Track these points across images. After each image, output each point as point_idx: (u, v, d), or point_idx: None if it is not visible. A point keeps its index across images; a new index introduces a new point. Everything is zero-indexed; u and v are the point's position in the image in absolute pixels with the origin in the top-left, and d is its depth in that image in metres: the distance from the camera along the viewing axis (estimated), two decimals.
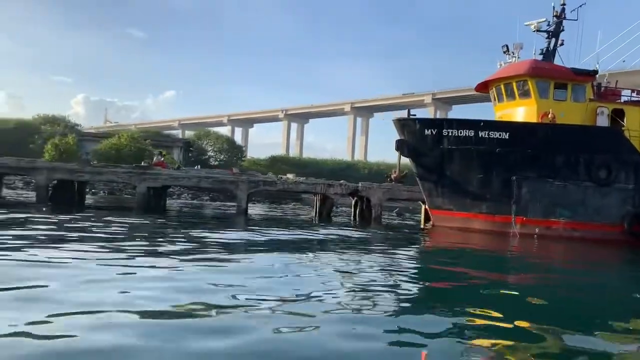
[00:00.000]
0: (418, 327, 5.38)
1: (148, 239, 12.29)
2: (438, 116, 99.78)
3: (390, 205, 30.75)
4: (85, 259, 8.36)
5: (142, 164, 26.55)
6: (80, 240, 11.04)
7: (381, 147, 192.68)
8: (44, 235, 11.51)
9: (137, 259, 8.80)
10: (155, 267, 8.10)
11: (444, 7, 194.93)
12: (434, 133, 20.80)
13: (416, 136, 21.25)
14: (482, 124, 20.30)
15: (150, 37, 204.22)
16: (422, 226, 24.47)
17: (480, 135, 20.12)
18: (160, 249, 10.69)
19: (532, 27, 21.96)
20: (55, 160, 36.76)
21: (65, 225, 14.15)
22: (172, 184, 25.61)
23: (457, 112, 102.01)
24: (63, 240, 10.80)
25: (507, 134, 19.92)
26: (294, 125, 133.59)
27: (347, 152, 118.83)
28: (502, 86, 21.80)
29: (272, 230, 16.85)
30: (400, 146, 21.57)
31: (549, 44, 21.91)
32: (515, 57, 21.84)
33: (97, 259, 8.36)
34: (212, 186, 25.69)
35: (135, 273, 7.47)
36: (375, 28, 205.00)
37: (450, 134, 20.51)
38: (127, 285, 6.49)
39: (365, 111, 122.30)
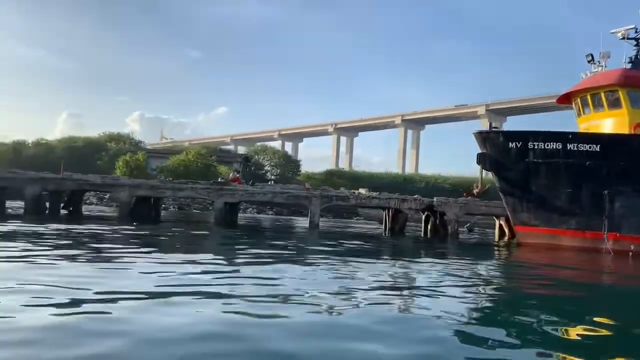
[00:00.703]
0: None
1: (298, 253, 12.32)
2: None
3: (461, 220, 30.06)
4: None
5: (219, 180, 27.06)
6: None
7: (433, 160, 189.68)
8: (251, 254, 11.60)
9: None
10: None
11: (495, 18, 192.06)
12: (518, 146, 20.23)
13: (499, 149, 20.72)
14: (570, 136, 19.61)
15: (204, 55, 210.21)
16: (496, 241, 23.85)
17: (568, 148, 19.42)
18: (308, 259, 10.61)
19: (619, 34, 21.18)
20: (125, 175, 38.15)
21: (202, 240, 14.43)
22: (248, 199, 25.97)
23: (512, 123, 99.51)
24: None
25: (598, 146, 19.14)
26: (343, 139, 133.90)
27: (397, 165, 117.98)
28: (588, 97, 21.03)
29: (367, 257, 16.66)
30: (482, 160, 21.08)
31: (637, 51, 21.04)
32: (602, 66, 21.06)
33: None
34: (286, 201, 25.86)
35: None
36: (426, 40, 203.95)
37: (536, 147, 19.90)
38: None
39: (416, 124, 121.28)
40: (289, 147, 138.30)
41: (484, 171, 23.21)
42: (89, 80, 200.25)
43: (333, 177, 64.82)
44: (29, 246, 10.90)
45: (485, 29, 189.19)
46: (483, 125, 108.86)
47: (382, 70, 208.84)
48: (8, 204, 28.51)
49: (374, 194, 25.62)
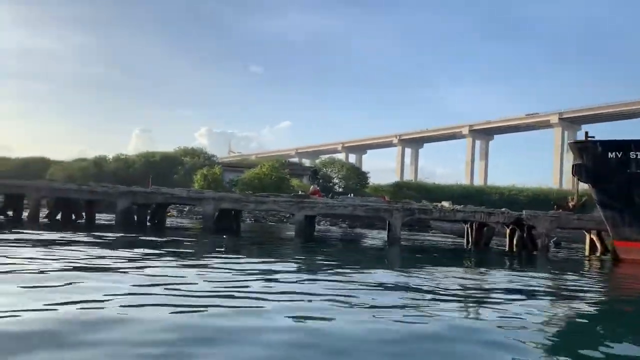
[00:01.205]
0: None
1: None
2: (566, 138, 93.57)
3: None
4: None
5: (300, 193, 27.24)
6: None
7: (503, 170, 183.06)
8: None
9: None
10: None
11: (566, 22, 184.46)
12: (619, 156, 19.02)
13: (597, 160, 19.58)
14: None
15: (267, 70, 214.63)
16: (587, 256, 22.58)
17: None
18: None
19: None
20: (203, 188, 39.21)
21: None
22: (328, 212, 25.93)
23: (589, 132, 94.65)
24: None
25: None
26: (407, 150, 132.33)
27: (465, 177, 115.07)
28: None
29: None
30: (578, 171, 19.99)
31: None
32: None
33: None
34: (366, 214, 25.61)
35: None
36: (493, 46, 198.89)
37: (639, 157, 18.64)
38: None
39: (485, 134, 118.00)
40: (352, 159, 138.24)
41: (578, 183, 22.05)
42: (158, 96, 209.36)
43: (402, 189, 63.98)
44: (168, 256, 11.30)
45: (554, 32, 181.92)
46: (555, 134, 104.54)
47: (447, 79, 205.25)
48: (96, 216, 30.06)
49: (458, 207, 24.89)
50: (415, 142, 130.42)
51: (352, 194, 37.44)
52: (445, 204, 25.52)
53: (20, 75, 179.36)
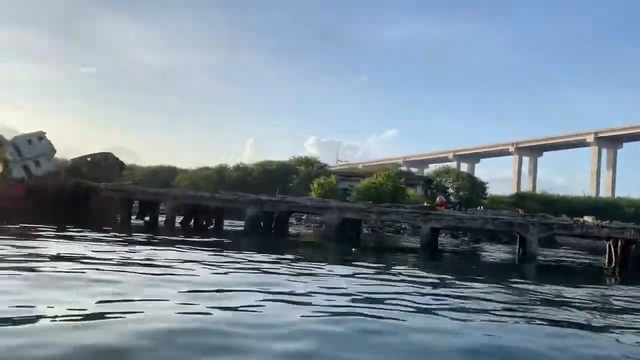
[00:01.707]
0: None
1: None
2: None
3: None
4: None
5: (425, 204, 26.45)
6: None
7: (635, 181, 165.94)
8: None
9: None
10: None
11: None
12: None
13: None
14: None
15: (372, 79, 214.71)
16: None
17: None
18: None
19: None
20: (320, 196, 39.56)
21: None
22: (456, 225, 24.85)
23: None
24: None
25: None
26: (525, 159, 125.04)
27: (590, 188, 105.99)
28: None
29: None
30: None
31: None
32: None
33: None
34: (497, 228, 24.19)
35: None
36: (620, 47, 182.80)
37: None
38: None
39: (612, 141, 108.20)
40: (464, 168, 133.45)
41: None
42: (270, 107, 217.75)
43: (524, 201, 60.24)
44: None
45: None
46: None
47: (567, 84, 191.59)
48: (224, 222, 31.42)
49: (603, 222, 22.63)
50: (534, 151, 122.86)
51: (482, 207, 35.75)
52: (588, 219, 23.29)
53: (152, 90, 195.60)
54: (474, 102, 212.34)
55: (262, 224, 27.23)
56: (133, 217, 30.25)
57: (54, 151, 45.10)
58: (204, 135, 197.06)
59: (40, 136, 43.82)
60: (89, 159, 43.53)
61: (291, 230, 34.56)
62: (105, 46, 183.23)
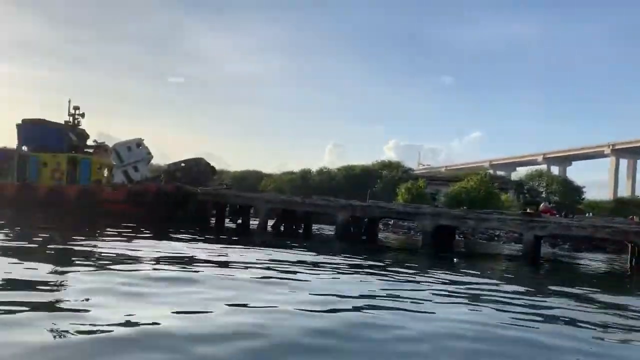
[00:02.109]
0: None
1: None
2: None
3: None
4: None
5: (527, 210, 25.05)
6: None
7: None
8: None
9: None
10: None
11: None
12: None
13: None
14: None
15: (457, 81, 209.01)
16: None
17: None
18: None
19: None
20: (407, 202, 38.72)
21: None
22: (562, 233, 23.26)
23: None
24: None
25: None
26: (622, 162, 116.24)
27: None
28: None
29: None
30: None
31: None
32: None
33: None
34: (611, 237, 22.36)
35: None
36: None
37: None
38: None
39: None
40: (554, 171, 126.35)
41: None
42: (349, 111, 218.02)
43: (625, 207, 55.87)
44: None
45: None
46: None
47: None
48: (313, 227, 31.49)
49: None
50: (634, 152, 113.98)
51: (590, 213, 33.44)
52: None
53: (237, 98, 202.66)
54: (564, 102, 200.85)
55: (351, 229, 27.02)
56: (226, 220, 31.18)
57: (151, 157, 47.64)
58: (286, 140, 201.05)
59: (139, 143, 46.40)
60: (182, 164, 45.48)
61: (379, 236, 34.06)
62: (193, 57, 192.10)
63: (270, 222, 29.08)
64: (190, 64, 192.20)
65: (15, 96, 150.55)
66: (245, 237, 22.05)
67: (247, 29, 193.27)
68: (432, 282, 11.39)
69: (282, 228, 29.44)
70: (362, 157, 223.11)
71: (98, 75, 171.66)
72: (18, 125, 29.94)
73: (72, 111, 29.94)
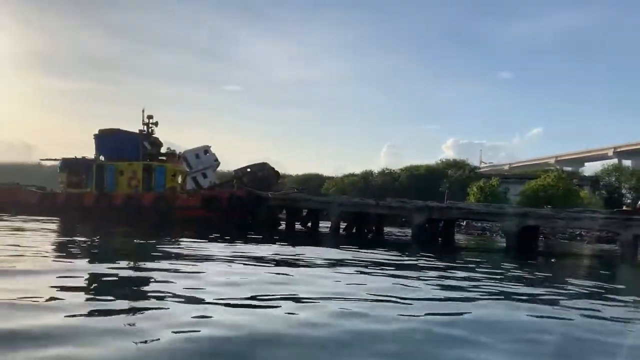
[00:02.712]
0: None
1: None
2: None
3: None
4: None
5: (623, 207, 23.32)
6: None
7: None
8: None
9: None
10: None
11: None
12: None
13: None
14: None
15: (516, 76, 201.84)
16: None
17: None
18: None
19: None
20: (479, 201, 37.19)
21: None
22: None
23: None
24: None
25: None
26: None
27: None
28: None
29: None
30: None
31: None
32: None
33: None
34: None
35: None
36: None
37: None
38: None
39: None
40: (628, 165, 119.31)
41: None
42: (402, 111, 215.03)
43: None
44: None
45: None
46: None
47: None
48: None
49: None
50: None
51: None
52: None
53: (292, 102, 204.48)
54: (631, 93, 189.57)
55: (427, 231, 26.08)
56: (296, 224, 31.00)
57: (218, 163, 48.38)
58: (340, 143, 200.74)
59: (206, 149, 47.22)
60: (248, 169, 45.85)
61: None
62: (247, 65, 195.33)
63: (342, 225, 28.61)
64: (244, 71, 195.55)
65: (85, 109, 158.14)
66: (326, 240, 21.55)
67: (299, 34, 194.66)
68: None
69: (354, 231, 28.88)
70: (419, 157, 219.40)
71: (155, 85, 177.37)
72: (95, 136, 30.90)
73: (146, 120, 30.57)
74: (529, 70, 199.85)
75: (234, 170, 49.51)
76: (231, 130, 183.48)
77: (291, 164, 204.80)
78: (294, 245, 16.91)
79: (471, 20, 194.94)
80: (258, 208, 29.08)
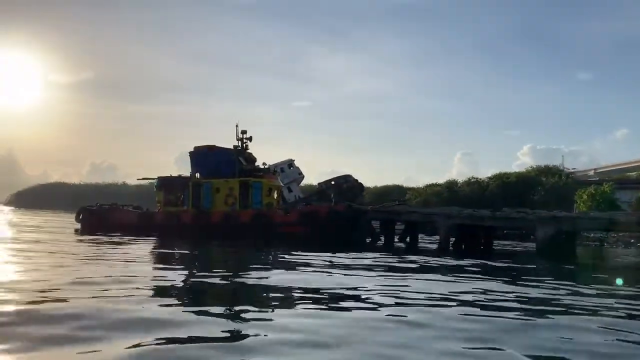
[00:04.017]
0: None
1: None
2: None
3: None
4: None
5: None
6: None
7: None
8: None
9: None
10: None
11: None
12: None
13: None
14: None
15: (596, 77, 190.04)
16: None
17: None
18: None
19: None
20: (591, 210, 33.95)
21: None
22: None
23: None
24: None
25: None
26: None
27: None
28: None
29: None
30: None
31: None
32: None
33: None
34: None
35: None
36: None
37: None
38: None
39: None
40: None
41: None
42: (477, 118, 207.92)
43: None
44: None
45: None
46: None
47: None
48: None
49: None
50: None
51: None
52: None
53: (362, 114, 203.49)
54: None
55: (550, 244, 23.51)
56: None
57: (302, 177, 47.42)
58: (412, 152, 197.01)
59: (290, 163, 46.37)
60: (332, 182, 44.62)
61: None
62: (319, 80, 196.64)
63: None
64: (313, 87, 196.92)
65: (164, 131, 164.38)
66: (442, 258, 19.65)
67: (368, 47, 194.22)
68: None
69: (463, 246, 26.66)
70: (494, 164, 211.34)
71: (229, 105, 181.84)
72: (190, 153, 30.58)
73: (240, 135, 29.93)
74: (610, 69, 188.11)
75: (318, 184, 48.48)
76: (301, 144, 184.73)
77: (361, 175, 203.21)
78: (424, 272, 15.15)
79: (545, 21, 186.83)
80: (357, 223, 27.61)
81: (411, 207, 29.42)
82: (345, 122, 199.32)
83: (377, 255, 19.52)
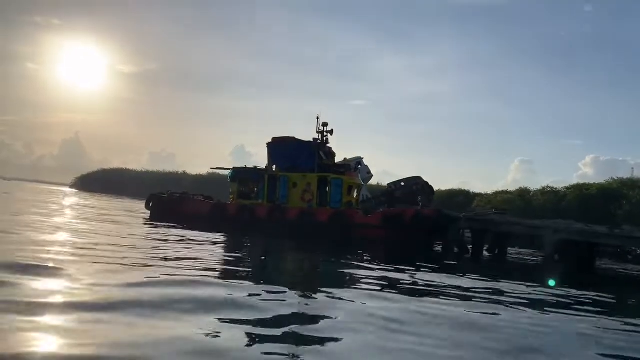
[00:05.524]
0: None
1: None
2: None
3: None
4: None
5: None
6: None
7: None
8: None
9: None
10: None
11: None
12: None
13: None
14: None
15: None
16: None
17: None
18: None
19: None
20: None
21: None
22: None
23: None
24: None
25: None
26: None
27: None
28: None
29: None
30: None
31: None
32: None
33: None
34: None
35: None
36: None
37: None
38: None
39: None
40: None
41: None
42: (534, 125, 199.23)
43: None
44: None
45: None
46: None
47: None
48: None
49: None
50: None
51: None
52: None
53: (416, 116, 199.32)
54: None
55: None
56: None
57: (371, 176, 45.04)
58: (465, 157, 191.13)
59: (359, 162, 44.03)
60: (402, 182, 42.14)
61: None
62: (377, 79, 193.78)
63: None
64: (370, 86, 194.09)
65: (226, 124, 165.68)
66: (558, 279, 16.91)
67: (426, 48, 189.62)
68: None
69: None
70: (554, 174, 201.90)
71: (286, 101, 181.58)
72: (268, 144, 28.79)
73: (321, 128, 27.93)
74: None
75: (388, 184, 46.08)
76: (357, 144, 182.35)
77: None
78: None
79: (610, 24, 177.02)
80: (446, 230, 25.19)
81: (511, 217, 26.58)
82: (400, 123, 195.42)
83: (479, 276, 16.24)
